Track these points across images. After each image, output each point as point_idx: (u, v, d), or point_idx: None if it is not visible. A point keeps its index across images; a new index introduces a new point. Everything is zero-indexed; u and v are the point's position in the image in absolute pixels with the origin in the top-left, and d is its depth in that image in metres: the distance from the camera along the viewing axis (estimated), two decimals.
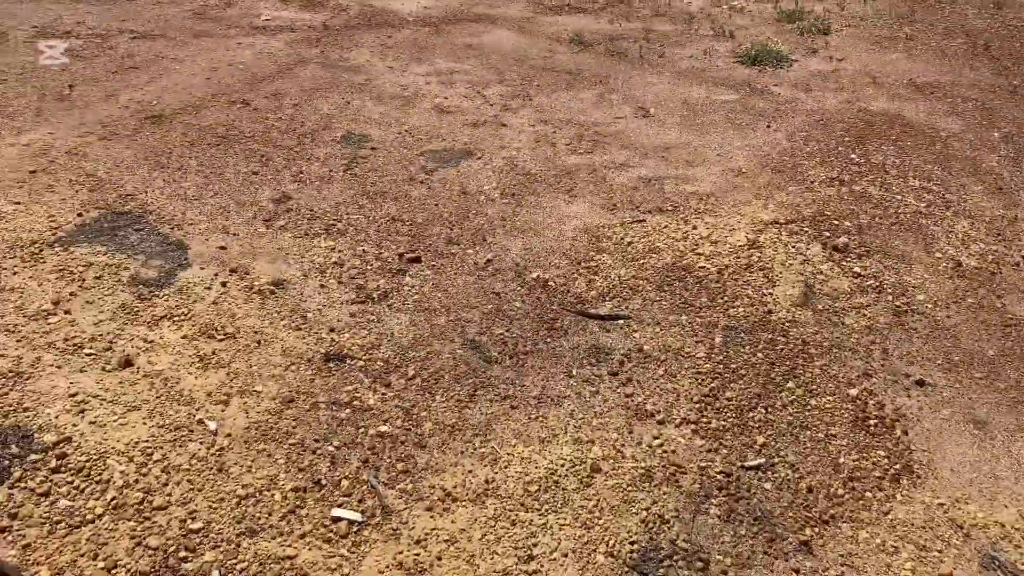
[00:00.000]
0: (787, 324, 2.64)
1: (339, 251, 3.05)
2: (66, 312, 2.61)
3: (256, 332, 2.57)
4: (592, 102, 4.47)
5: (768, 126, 4.14)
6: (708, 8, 6.11)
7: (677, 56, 5.13)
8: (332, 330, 2.61)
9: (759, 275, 2.84)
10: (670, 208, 3.32)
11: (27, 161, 3.52)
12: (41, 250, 2.91)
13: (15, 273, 2.78)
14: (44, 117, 3.93)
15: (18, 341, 2.45)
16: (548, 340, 2.58)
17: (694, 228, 3.13)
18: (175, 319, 2.60)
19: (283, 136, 3.91)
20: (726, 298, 2.74)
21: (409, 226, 3.24)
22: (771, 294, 2.75)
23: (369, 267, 2.96)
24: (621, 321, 2.63)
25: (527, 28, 5.55)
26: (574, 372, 2.45)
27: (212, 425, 2.19)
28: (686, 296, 2.75)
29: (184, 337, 2.52)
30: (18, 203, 3.21)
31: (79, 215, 3.16)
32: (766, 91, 4.62)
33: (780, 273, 2.85)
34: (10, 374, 2.32)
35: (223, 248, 3.00)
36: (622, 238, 3.11)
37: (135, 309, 2.63)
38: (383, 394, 2.36)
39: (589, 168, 3.73)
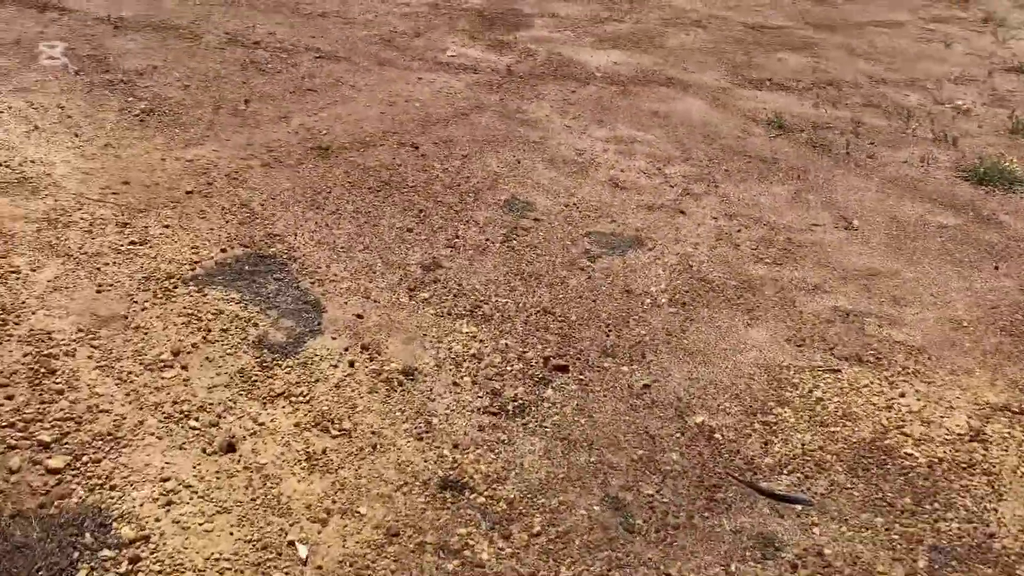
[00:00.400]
0: (1015, 559, 2.07)
1: (480, 340, 2.72)
2: (183, 367, 2.41)
3: (374, 433, 2.27)
4: (786, 200, 3.97)
5: (996, 267, 3.51)
6: (928, 105, 5.45)
7: (889, 159, 4.53)
8: (456, 446, 2.27)
9: (982, 480, 2.28)
10: (871, 358, 2.79)
11: (187, 179, 3.42)
12: (176, 286, 2.75)
13: (144, 309, 2.62)
14: (215, 132, 3.86)
15: (127, 395, 2.26)
16: (706, 514, 2.13)
17: (901, 396, 2.59)
18: (293, 399, 2.34)
19: (446, 191, 3.66)
20: (936, 504, 2.20)
21: (561, 322, 2.88)
22: (996, 510, 2.19)
23: (509, 367, 2.61)
24: (800, 506, 2.15)
25: (721, 100, 5.11)
26: (733, 568, 2.00)
27: (303, 551, 1.89)
28: (885, 490, 2.22)
29: (297, 425, 2.26)
30: (167, 226, 3.09)
31: (223, 250, 2.99)
32: (994, 219, 3.97)
33: (1010, 484, 2.27)
34: (108, 437, 2.12)
35: (359, 317, 2.74)
36: (810, 390, 2.61)
37: (253, 378, 2.40)
38: (500, 548, 1.99)
39: (776, 284, 3.24)
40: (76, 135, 3.62)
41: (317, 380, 2.42)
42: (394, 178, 3.70)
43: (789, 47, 6.30)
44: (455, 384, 2.50)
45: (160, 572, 1.79)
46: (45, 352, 2.38)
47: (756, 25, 6.69)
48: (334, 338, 2.62)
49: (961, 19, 7.64)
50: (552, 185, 3.83)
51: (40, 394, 2.23)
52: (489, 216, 3.51)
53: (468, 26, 5.76)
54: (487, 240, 3.33)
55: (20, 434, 2.09)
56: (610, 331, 2.85)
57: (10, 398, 2.20)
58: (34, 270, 2.73)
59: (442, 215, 3.47)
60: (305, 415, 2.29)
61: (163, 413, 2.23)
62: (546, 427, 2.40)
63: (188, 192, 3.34)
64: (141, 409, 2.23)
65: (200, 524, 1.91)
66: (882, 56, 6.29)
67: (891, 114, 5.18)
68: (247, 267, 2.92)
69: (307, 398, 2.35)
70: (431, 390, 2.46)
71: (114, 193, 3.25)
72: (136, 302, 2.65)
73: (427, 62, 5.09)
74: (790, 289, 3.22)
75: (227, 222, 3.18)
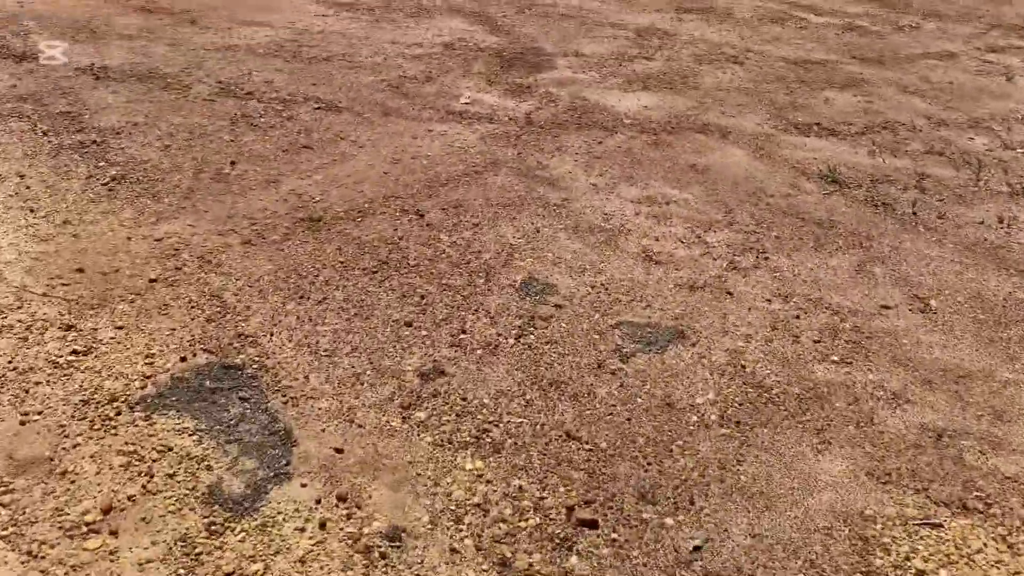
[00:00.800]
0: None
1: (487, 482, 2.20)
2: (112, 533, 1.91)
3: None
4: (848, 274, 3.42)
5: None
6: (997, 150, 4.87)
7: (962, 218, 3.97)
8: None
9: None
10: (978, 504, 2.22)
11: (153, 264, 2.96)
12: (119, 412, 2.27)
13: (76, 446, 2.14)
14: (192, 202, 3.40)
15: None
16: None
17: None
18: None
19: (453, 270, 3.16)
20: None
21: (588, 452, 2.35)
22: None
23: (523, 523, 2.09)
24: None
25: (765, 150, 4.57)
26: None
27: None
28: None
29: None
30: (120, 327, 2.61)
31: (183, 359, 2.51)
32: None
33: None
34: None
35: (339, 452, 2.23)
36: (907, 556, 2.05)
37: (198, 549, 1.90)
38: None
39: (847, 392, 2.69)
40: (32, 210, 3.18)
41: (277, 551, 1.91)
42: (393, 255, 3.21)
43: (836, 84, 5.75)
44: (453, 552, 1.98)
45: None
46: None
47: (798, 60, 6.16)
48: (304, 484, 2.11)
49: (1020, 49, 7.05)
50: (576, 260, 3.31)
51: None
52: (502, 302, 3.00)
53: (484, 68, 5.30)
54: (499, 335, 2.82)
55: None
56: (649, 464, 2.32)
57: None
58: None
59: (447, 302, 2.96)
60: None
61: None
62: None
63: (152, 280, 2.87)
64: None
65: None
66: (939, 93, 5.72)
67: (957, 163, 4.61)
68: (209, 382, 2.42)
69: None
70: (422, 561, 1.94)
71: (64, 284, 2.79)
72: (67, 436, 2.17)
73: (438, 111, 4.61)
74: (865, 398, 2.66)
75: (193, 319, 2.70)
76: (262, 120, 4.21)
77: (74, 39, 4.87)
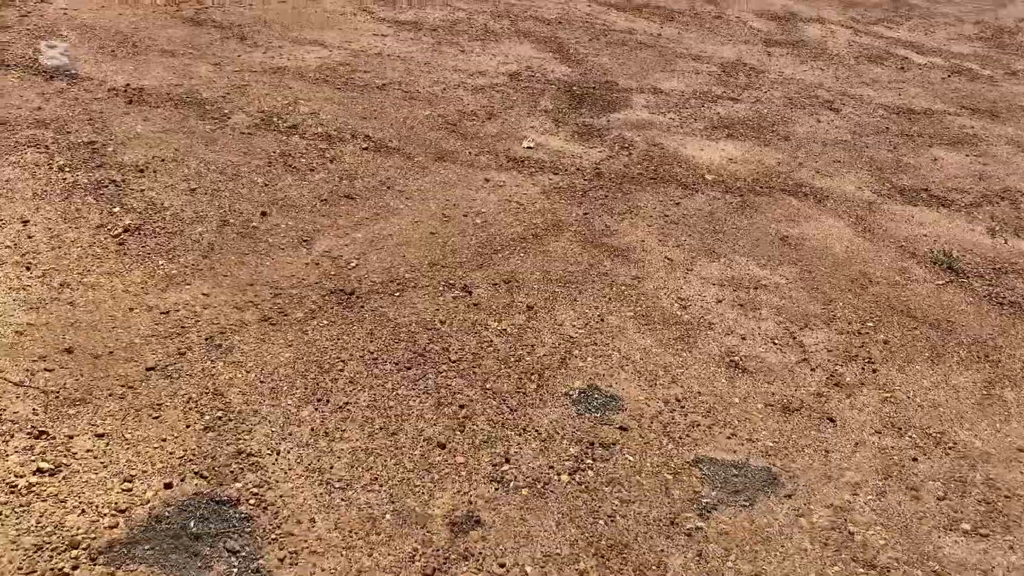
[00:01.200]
0: None
1: None
2: None
3: None
4: (974, 399, 2.84)
5: None
6: None
7: None
8: None
9: None
10: None
11: (153, 346, 2.54)
12: (77, 566, 1.84)
13: None
14: (211, 262, 2.98)
15: None
16: None
17: None
18: None
19: (500, 368, 2.67)
20: None
21: None
22: None
23: None
24: None
25: (867, 222, 3.99)
26: None
27: None
28: None
29: None
30: (101, 436, 2.19)
31: (167, 485, 2.08)
32: None
33: None
34: None
35: None
36: None
37: None
38: None
39: None
40: (28, 267, 2.79)
41: None
42: (433, 345, 2.74)
43: (944, 140, 5.12)
44: None
45: None
46: None
47: (900, 108, 5.52)
48: None
49: None
50: (646, 362, 2.80)
51: None
52: (556, 419, 2.51)
53: (552, 105, 4.80)
54: (550, 468, 2.32)
55: None
56: None
57: None
58: None
59: (490, 415, 2.48)
60: None
61: None
62: None
63: (149, 369, 2.45)
64: None
65: None
66: None
67: None
68: (194, 523, 1.99)
69: None
70: None
71: (47, 370, 2.39)
72: None
73: (497, 156, 4.13)
74: None
75: (188, 426, 2.27)
76: (302, 160, 3.78)
77: (113, 54, 4.53)
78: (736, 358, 2.89)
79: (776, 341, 3.02)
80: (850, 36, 7.05)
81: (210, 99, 4.21)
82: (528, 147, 4.29)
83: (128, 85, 4.20)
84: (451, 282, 3.10)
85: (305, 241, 3.21)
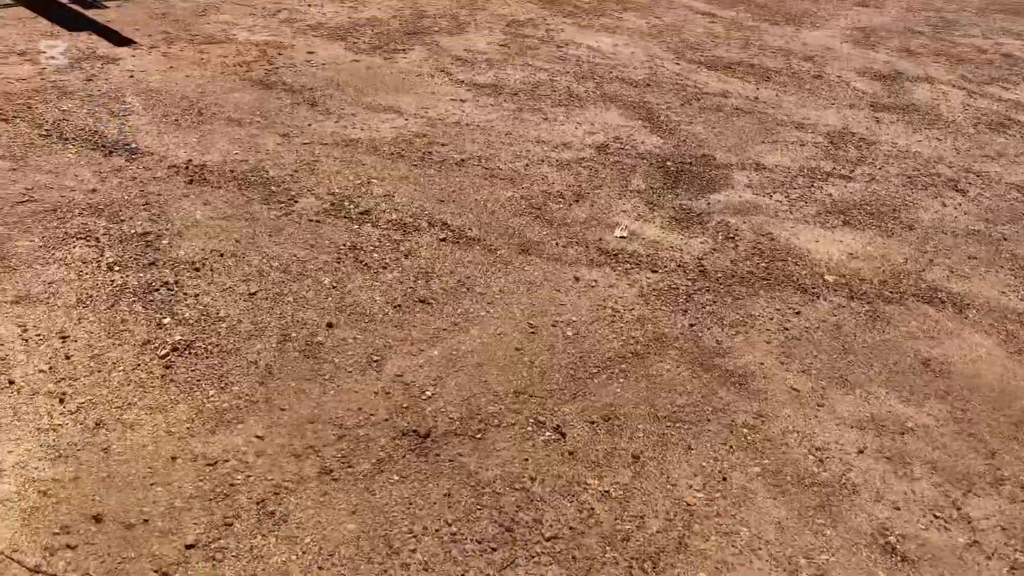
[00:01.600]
0: None
1: None
2: None
3: None
4: None
5: None
6: None
7: None
8: None
9: None
10: None
11: (196, 510, 2.14)
12: None
13: None
14: (267, 392, 2.59)
15: None
16: None
17: None
18: None
19: (605, 551, 2.20)
20: None
21: None
22: None
23: None
24: None
25: (1019, 339, 3.41)
26: None
27: None
28: None
29: None
30: None
31: None
32: None
33: None
34: None
35: None
36: None
37: None
38: None
39: None
40: (62, 399, 2.43)
41: None
42: (523, 515, 2.28)
43: None
44: None
45: None
46: None
47: None
48: None
49: None
50: (783, 545, 2.29)
51: None
52: None
53: (644, 183, 4.35)
54: None
55: None
56: None
57: None
58: None
59: None
60: None
61: None
62: None
63: (188, 547, 2.05)
64: None
65: None
66: None
67: None
68: None
69: None
70: None
71: (69, 547, 2.00)
72: None
73: (587, 248, 3.69)
74: None
75: None
76: (374, 255, 3.39)
77: (177, 123, 4.24)
78: (891, 538, 2.36)
79: (937, 513, 2.48)
80: (964, 98, 6.45)
81: (277, 178, 3.87)
82: (621, 236, 3.83)
83: (190, 161, 3.89)
84: (541, 419, 2.64)
85: (375, 362, 2.80)
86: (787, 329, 3.30)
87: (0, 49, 4.81)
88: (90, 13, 5.61)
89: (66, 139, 3.91)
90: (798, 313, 3.42)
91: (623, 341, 3.10)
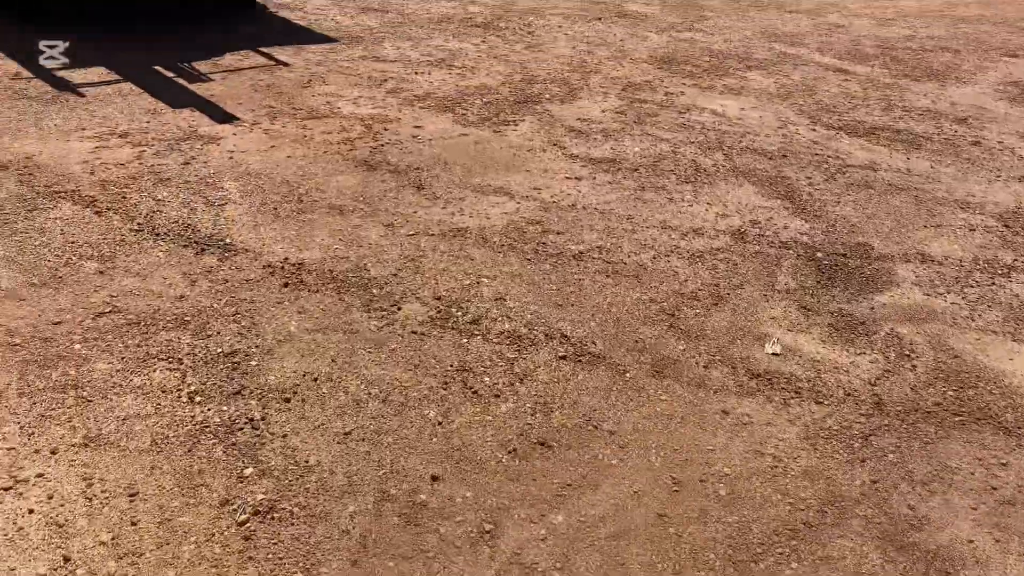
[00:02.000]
0: None
1: None
2: None
3: None
4: None
5: None
6: None
7: None
8: None
9: None
10: None
11: None
12: None
13: None
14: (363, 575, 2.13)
15: None
16: None
17: None
18: None
19: None
20: None
21: None
22: None
23: None
24: None
25: None
26: None
27: None
28: None
29: None
30: None
31: None
32: None
33: None
34: None
35: None
36: None
37: None
38: None
39: None
40: None
41: None
42: None
43: None
44: None
45: None
46: None
47: None
48: None
49: None
50: None
51: None
52: None
53: (794, 282, 3.75)
54: None
55: None
56: None
57: None
58: None
59: None
60: None
61: None
62: None
63: None
64: None
65: None
66: None
67: None
68: None
69: None
70: None
71: None
72: None
73: (734, 368, 3.12)
74: None
75: None
76: (485, 379, 2.93)
77: (275, 213, 3.94)
78: None
79: None
80: None
81: (379, 279, 3.48)
82: (774, 353, 3.25)
83: (287, 260, 3.55)
84: None
85: (487, 532, 2.32)
86: (994, 488, 2.64)
87: (103, 130, 4.66)
88: (194, 87, 5.46)
89: (158, 235, 3.64)
90: (1005, 465, 2.75)
91: (791, 505, 2.51)
